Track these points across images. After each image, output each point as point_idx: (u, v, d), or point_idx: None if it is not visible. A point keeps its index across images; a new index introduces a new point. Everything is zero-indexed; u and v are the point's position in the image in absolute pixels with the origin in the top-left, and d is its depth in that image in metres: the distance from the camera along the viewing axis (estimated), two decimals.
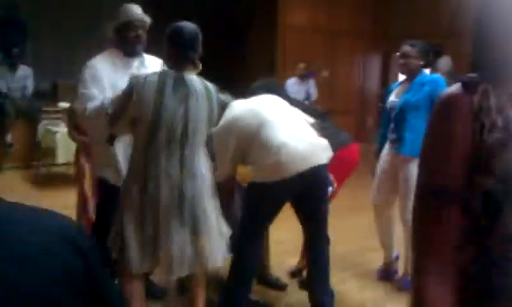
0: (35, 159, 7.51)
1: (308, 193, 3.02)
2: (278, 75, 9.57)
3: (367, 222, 4.27)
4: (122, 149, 2.98)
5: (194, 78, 2.59)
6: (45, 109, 7.45)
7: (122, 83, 2.89)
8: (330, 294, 3.18)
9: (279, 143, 2.87)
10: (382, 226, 3.96)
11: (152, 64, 3.19)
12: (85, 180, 4.48)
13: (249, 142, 2.94)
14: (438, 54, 9.26)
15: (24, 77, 7.85)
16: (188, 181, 2.52)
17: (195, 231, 2.55)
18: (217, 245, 2.65)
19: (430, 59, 3.84)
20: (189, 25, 2.65)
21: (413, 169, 3.61)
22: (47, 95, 8.03)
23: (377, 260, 4.21)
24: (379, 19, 10.40)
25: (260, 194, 2.98)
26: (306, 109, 3.46)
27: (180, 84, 2.52)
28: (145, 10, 3.13)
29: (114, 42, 3.12)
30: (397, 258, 4.05)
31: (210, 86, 2.68)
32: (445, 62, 9.09)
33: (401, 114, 3.68)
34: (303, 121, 3.15)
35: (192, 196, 2.52)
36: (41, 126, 7.43)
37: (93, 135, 3.23)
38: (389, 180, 3.82)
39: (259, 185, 2.95)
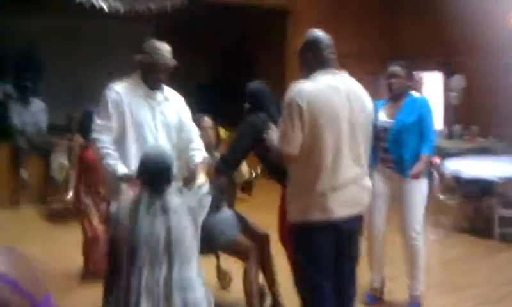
0: (49, 193, 7.45)
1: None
2: None
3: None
4: None
5: (170, 193, 2.51)
6: (59, 141, 7.42)
7: (143, 113, 3.07)
8: None
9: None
10: (377, 249, 3.97)
11: (173, 97, 3.27)
12: (90, 215, 4.44)
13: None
14: (451, 72, 9.23)
15: (37, 111, 7.84)
16: (177, 294, 2.39)
17: None
18: None
19: (414, 80, 4.01)
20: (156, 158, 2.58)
21: (414, 185, 3.77)
22: (61, 129, 8.02)
23: (395, 290, 4.11)
24: (387, 40, 10.37)
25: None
26: None
27: (156, 199, 2.45)
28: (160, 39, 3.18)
29: (139, 71, 3.20)
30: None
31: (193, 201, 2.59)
32: (458, 80, 9.05)
33: (397, 135, 3.76)
34: None
35: None
36: (54, 160, 7.39)
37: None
38: (384, 203, 3.89)
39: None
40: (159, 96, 3.20)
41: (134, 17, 9.78)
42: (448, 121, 9.34)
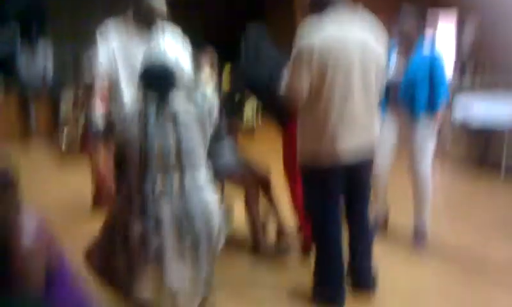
0: (59, 136, 7.53)
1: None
2: None
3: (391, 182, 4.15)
4: None
5: (177, 97, 2.46)
6: (66, 84, 7.42)
7: (135, 53, 2.96)
8: (374, 271, 3.12)
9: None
10: (382, 184, 4.00)
11: (167, 33, 3.18)
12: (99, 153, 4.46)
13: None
14: (465, 11, 8.99)
15: (44, 57, 7.83)
16: (194, 195, 2.42)
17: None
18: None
19: (425, 22, 3.79)
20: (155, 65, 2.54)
21: (424, 124, 3.74)
22: (68, 70, 8.02)
23: (401, 222, 4.14)
24: None
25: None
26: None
27: (164, 107, 2.41)
28: None
29: (132, 12, 3.10)
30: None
31: (196, 92, 2.57)
32: (473, 18, 8.82)
33: (410, 76, 3.69)
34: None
35: (201, 215, 2.42)
36: (63, 103, 7.43)
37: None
38: (392, 140, 3.87)
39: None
40: (152, 34, 3.10)
41: None
42: (460, 57, 9.18)
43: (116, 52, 3.00)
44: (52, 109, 7.56)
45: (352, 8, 2.77)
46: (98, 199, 4.61)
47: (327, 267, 2.96)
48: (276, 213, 3.87)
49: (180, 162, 2.38)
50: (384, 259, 3.44)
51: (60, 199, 4.55)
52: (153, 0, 3.03)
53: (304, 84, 2.66)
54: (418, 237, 3.91)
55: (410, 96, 3.73)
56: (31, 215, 1.90)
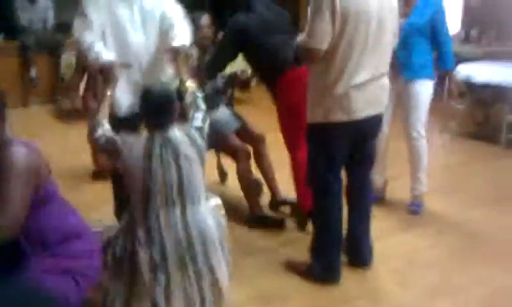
0: (59, 93, 7.49)
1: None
2: (303, 27, 9.26)
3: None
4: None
5: (178, 134, 2.41)
6: (67, 41, 7.31)
7: (121, 9, 2.95)
8: (370, 239, 3.15)
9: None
10: (380, 150, 3.86)
11: None
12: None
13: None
14: None
15: (44, 8, 7.69)
16: (196, 234, 2.38)
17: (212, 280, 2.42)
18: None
19: None
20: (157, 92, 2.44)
21: (419, 87, 3.73)
22: (68, 27, 7.90)
23: (398, 190, 4.17)
24: None
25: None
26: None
27: (167, 144, 2.36)
28: None
29: None
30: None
31: (195, 135, 2.47)
32: None
33: (406, 38, 3.64)
34: None
35: (202, 248, 2.39)
36: (64, 60, 7.35)
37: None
38: (389, 105, 3.72)
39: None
40: None
41: None
42: (466, 23, 9.04)
43: (104, 6, 2.93)
44: (55, 60, 7.47)
45: None
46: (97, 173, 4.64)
47: (326, 237, 2.98)
48: (271, 179, 3.90)
49: (182, 196, 2.37)
50: (379, 228, 3.48)
51: (59, 163, 4.57)
52: None
53: (329, 29, 2.57)
54: (414, 203, 3.96)
55: (405, 57, 3.69)
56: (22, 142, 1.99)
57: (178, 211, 2.37)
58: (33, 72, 7.45)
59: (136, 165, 2.35)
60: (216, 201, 2.63)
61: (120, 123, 2.84)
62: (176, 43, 2.95)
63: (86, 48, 2.90)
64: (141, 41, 3.03)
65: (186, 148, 2.39)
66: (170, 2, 3.14)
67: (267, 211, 3.89)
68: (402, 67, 3.72)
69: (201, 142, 2.47)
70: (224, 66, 3.61)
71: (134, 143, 2.39)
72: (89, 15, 2.92)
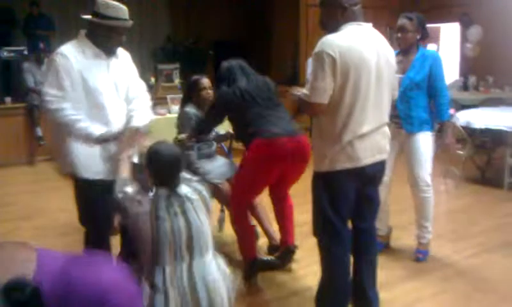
0: None
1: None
2: (302, 54, 9.48)
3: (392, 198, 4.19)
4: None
5: (186, 189, 2.44)
6: None
7: (94, 75, 2.90)
8: (376, 289, 3.12)
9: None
10: (383, 199, 3.82)
11: (120, 54, 3.11)
12: None
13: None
14: (468, 23, 9.02)
15: None
16: (201, 291, 2.37)
17: None
18: None
19: (426, 32, 3.86)
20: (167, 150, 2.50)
21: (421, 139, 3.80)
22: None
23: (403, 238, 4.16)
24: None
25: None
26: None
27: (174, 200, 2.39)
28: None
29: (87, 32, 3.00)
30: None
31: (199, 187, 2.52)
32: (475, 31, 8.85)
33: (405, 92, 3.76)
34: None
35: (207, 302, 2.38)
36: None
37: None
38: (391, 155, 3.76)
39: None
40: (109, 55, 3.00)
41: None
42: (464, 72, 9.20)
43: (76, 73, 2.86)
44: None
45: (363, 21, 2.82)
46: None
47: (334, 287, 2.95)
48: (266, 227, 4.00)
49: (190, 249, 2.37)
50: (385, 277, 3.47)
51: (66, 218, 4.60)
52: (116, 18, 2.90)
53: (330, 86, 2.67)
54: (420, 250, 3.95)
55: (405, 112, 3.77)
56: None
57: (185, 265, 2.36)
58: (39, 131, 7.60)
59: (143, 221, 2.36)
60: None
61: (89, 186, 2.96)
62: (137, 122, 3.02)
63: (72, 119, 2.85)
64: (114, 105, 3.02)
65: (192, 200, 2.41)
66: (133, 68, 3.22)
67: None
68: (403, 121, 3.81)
69: (205, 192, 2.50)
70: (211, 129, 4.01)
71: (142, 200, 2.41)
72: (63, 84, 2.84)
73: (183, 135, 3.84)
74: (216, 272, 2.44)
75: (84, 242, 3.22)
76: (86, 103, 2.91)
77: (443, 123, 3.92)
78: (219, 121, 3.79)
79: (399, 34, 3.79)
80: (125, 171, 2.68)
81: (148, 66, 10.20)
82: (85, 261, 1.48)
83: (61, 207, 4.96)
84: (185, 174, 2.52)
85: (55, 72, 2.85)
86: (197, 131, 3.89)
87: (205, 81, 4.16)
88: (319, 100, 2.70)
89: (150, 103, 3.26)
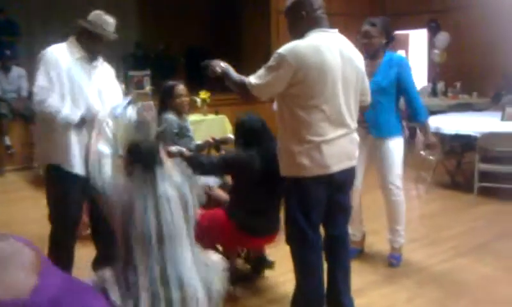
0: (35, 160, 7.44)
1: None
2: None
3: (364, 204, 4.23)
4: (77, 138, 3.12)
5: (163, 177, 2.41)
6: None
7: (80, 77, 3.13)
8: (350, 294, 3.12)
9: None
10: (355, 205, 3.90)
11: (106, 68, 3.37)
12: None
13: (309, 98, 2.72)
14: (436, 30, 9.20)
15: (18, 77, 7.77)
16: (174, 289, 2.31)
17: None
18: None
19: (392, 36, 3.88)
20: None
21: (391, 144, 3.82)
22: None
23: (376, 243, 4.21)
24: None
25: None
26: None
27: (149, 189, 2.35)
28: None
29: (77, 36, 3.22)
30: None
31: (180, 182, 2.47)
32: (443, 38, 9.03)
33: (373, 97, 3.63)
34: None
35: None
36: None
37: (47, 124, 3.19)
38: (360, 162, 3.73)
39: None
40: (94, 60, 3.25)
41: None
42: (432, 78, 9.37)
43: (63, 72, 3.08)
44: (29, 127, 7.47)
45: (328, 27, 2.84)
46: None
47: (308, 293, 2.96)
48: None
49: (161, 248, 2.32)
50: (360, 282, 3.49)
51: (38, 229, 4.50)
52: (103, 29, 3.16)
53: (274, 89, 2.76)
54: (393, 255, 3.99)
55: (372, 117, 3.73)
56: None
57: (157, 265, 2.29)
58: (7, 140, 7.43)
59: (117, 205, 2.34)
60: (216, 257, 2.60)
61: (63, 177, 3.12)
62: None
63: (53, 111, 3.03)
64: (97, 106, 3.18)
65: (169, 198, 2.36)
66: (113, 75, 3.47)
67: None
68: (370, 126, 3.81)
69: (185, 189, 2.44)
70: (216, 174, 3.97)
71: (121, 186, 2.40)
72: (49, 79, 3.05)
73: (174, 149, 3.54)
74: (191, 267, 2.38)
75: (48, 242, 3.27)
76: (70, 98, 3.09)
77: (424, 124, 3.95)
78: (224, 173, 3.82)
79: (364, 40, 3.78)
80: (94, 155, 2.83)
81: (118, 72, 10.08)
82: (77, 293, 1.50)
83: (31, 217, 4.84)
84: (170, 171, 2.49)
85: (43, 66, 3.08)
86: (202, 171, 3.48)
87: (181, 88, 4.10)
88: (259, 93, 2.79)
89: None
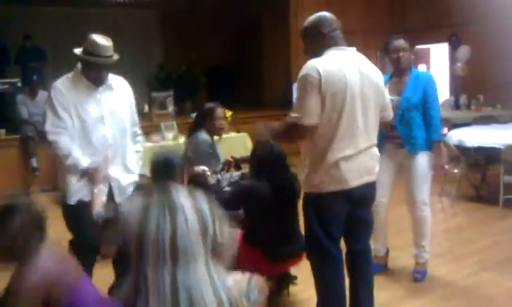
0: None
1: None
2: (294, 77, 9.55)
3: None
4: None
5: (180, 191, 2.38)
6: None
7: (87, 106, 3.13)
8: None
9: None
10: (380, 220, 3.95)
11: (118, 85, 3.31)
12: None
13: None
14: (457, 44, 9.16)
15: (44, 101, 7.94)
16: (183, 294, 2.25)
17: None
18: None
19: (415, 53, 3.99)
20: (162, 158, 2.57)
21: (422, 159, 3.81)
22: None
23: (400, 258, 4.17)
24: (394, 14, 10.29)
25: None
26: None
27: (165, 200, 2.32)
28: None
29: (81, 65, 3.21)
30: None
31: (200, 198, 2.41)
32: (464, 51, 8.98)
33: (404, 113, 3.78)
34: None
35: None
36: None
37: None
38: (388, 176, 3.90)
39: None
40: (101, 86, 3.21)
41: (138, 5, 9.89)
42: (454, 91, 9.31)
43: (70, 105, 3.08)
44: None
45: (345, 45, 2.87)
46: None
47: None
48: None
49: (174, 255, 2.26)
50: (384, 298, 3.47)
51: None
52: (101, 58, 3.10)
53: (316, 106, 2.69)
54: (418, 270, 3.95)
55: (406, 132, 3.79)
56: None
57: (168, 271, 2.23)
58: (34, 162, 7.59)
59: (132, 220, 2.32)
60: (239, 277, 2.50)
61: (71, 210, 3.27)
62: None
63: (64, 154, 3.08)
64: (106, 134, 3.19)
65: (185, 206, 2.31)
66: (131, 96, 3.42)
67: None
68: (405, 142, 3.82)
69: (204, 205, 2.37)
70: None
71: (134, 203, 2.40)
72: (61, 115, 3.06)
73: (200, 168, 3.57)
74: (207, 284, 2.29)
75: None
76: (79, 133, 3.12)
77: (435, 143, 3.95)
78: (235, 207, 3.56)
79: (400, 54, 3.80)
80: (99, 202, 2.92)
81: (142, 94, 10.27)
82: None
83: (60, 237, 4.92)
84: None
85: (51, 105, 3.09)
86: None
87: (221, 111, 4.11)
88: (310, 120, 2.71)
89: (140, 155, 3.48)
